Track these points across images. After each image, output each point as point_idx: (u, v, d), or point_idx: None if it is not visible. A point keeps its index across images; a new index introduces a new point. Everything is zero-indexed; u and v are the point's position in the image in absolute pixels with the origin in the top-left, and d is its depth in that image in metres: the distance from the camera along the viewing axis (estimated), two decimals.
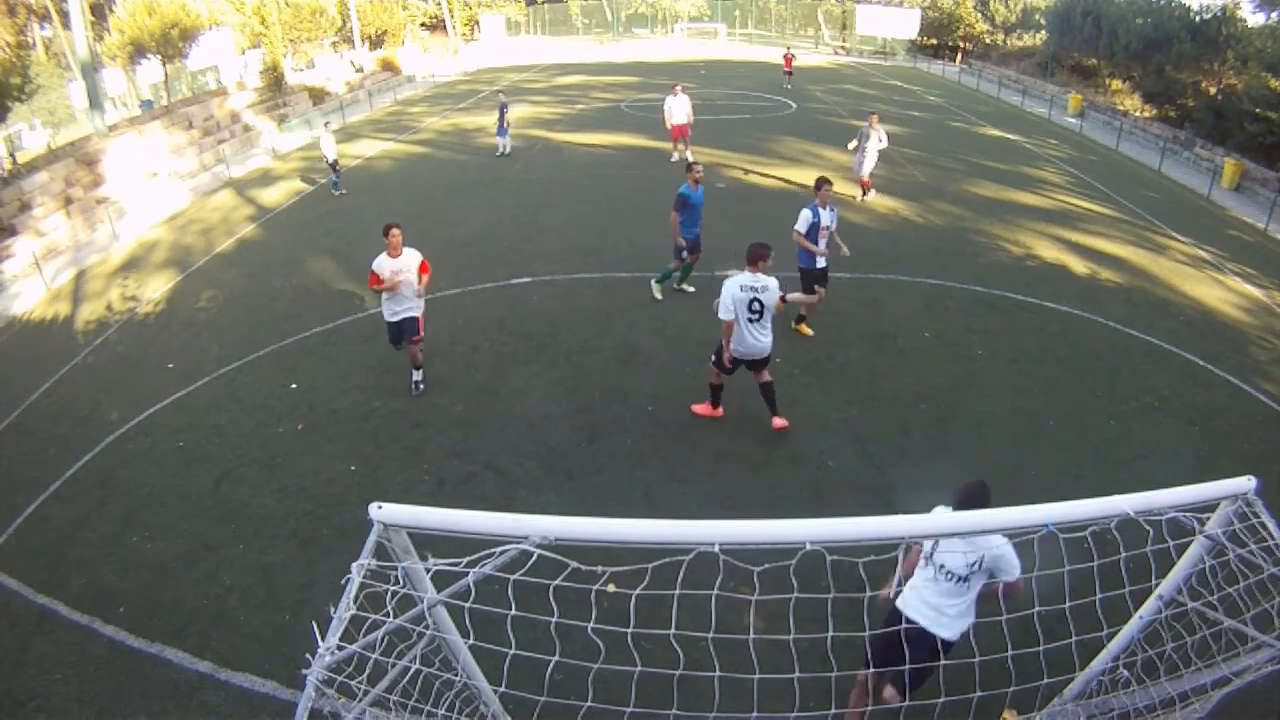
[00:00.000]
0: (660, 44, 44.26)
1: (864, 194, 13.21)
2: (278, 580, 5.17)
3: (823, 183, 7.62)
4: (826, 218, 7.64)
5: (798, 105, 22.97)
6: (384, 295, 6.94)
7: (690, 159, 15.58)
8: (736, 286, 5.87)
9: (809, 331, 8.18)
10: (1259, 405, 7.26)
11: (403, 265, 6.82)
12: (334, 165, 14.90)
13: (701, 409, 6.85)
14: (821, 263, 7.76)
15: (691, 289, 9.30)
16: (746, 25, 48.43)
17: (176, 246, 12.87)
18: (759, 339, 6.05)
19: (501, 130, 16.83)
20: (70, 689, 4.46)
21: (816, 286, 7.62)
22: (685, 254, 8.83)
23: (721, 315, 5.96)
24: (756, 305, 5.91)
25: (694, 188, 8.50)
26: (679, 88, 15.14)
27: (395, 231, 6.75)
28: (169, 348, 8.89)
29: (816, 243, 7.63)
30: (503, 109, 16.76)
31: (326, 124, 15.54)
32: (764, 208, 12.78)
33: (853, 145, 13.03)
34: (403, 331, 7.11)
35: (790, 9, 48.08)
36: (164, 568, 5.36)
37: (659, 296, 9.23)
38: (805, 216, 7.58)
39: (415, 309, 7.06)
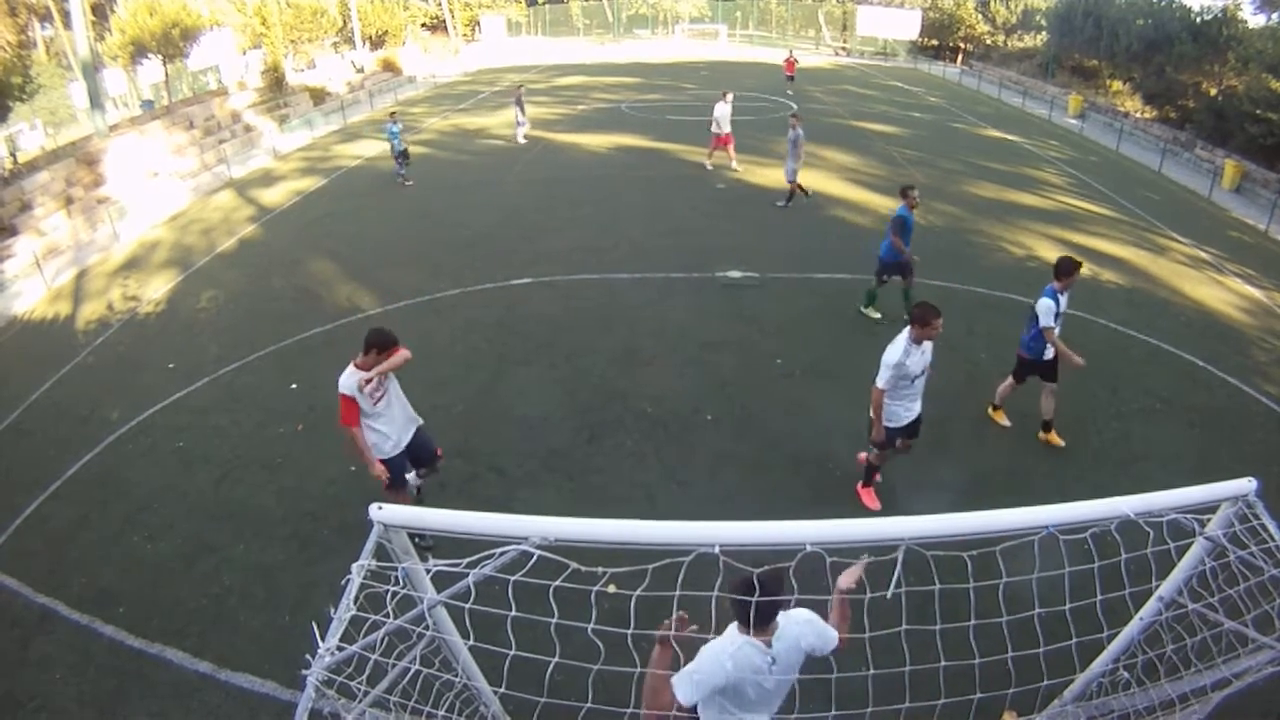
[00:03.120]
0: (661, 45, 44.28)
1: (803, 195, 13.00)
2: (278, 580, 5.17)
3: (1073, 268, 5.94)
4: (1064, 303, 6.12)
5: (799, 106, 22.97)
6: (368, 427, 4.74)
7: (709, 167, 15.31)
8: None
9: (1059, 441, 6.51)
10: (1259, 406, 7.26)
11: (380, 380, 4.68)
12: (404, 154, 14.92)
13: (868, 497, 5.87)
14: (1049, 354, 6.14)
15: (878, 315, 8.80)
16: (747, 26, 48.41)
17: (177, 246, 12.88)
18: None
19: (520, 122, 17.99)
20: (70, 689, 4.46)
21: (1045, 383, 6.35)
22: (886, 277, 8.45)
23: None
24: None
25: (910, 211, 8.04)
26: (729, 95, 14.69)
27: (384, 349, 4.63)
28: (169, 348, 8.90)
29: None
30: (519, 103, 17.87)
31: (393, 115, 15.49)
32: (764, 210, 12.79)
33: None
34: (421, 452, 5.08)
35: (791, 10, 48.08)
36: (164, 568, 5.36)
37: (877, 316, 8.82)
38: (1048, 306, 5.92)
39: (415, 416, 5.08)
